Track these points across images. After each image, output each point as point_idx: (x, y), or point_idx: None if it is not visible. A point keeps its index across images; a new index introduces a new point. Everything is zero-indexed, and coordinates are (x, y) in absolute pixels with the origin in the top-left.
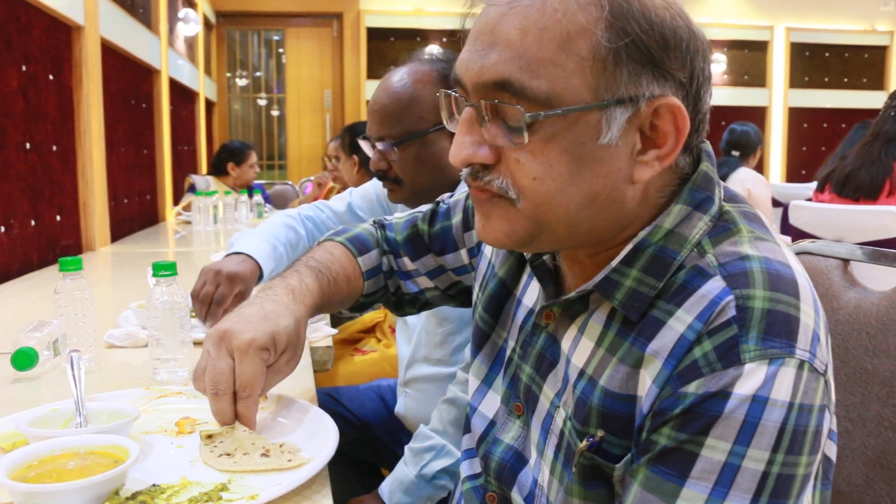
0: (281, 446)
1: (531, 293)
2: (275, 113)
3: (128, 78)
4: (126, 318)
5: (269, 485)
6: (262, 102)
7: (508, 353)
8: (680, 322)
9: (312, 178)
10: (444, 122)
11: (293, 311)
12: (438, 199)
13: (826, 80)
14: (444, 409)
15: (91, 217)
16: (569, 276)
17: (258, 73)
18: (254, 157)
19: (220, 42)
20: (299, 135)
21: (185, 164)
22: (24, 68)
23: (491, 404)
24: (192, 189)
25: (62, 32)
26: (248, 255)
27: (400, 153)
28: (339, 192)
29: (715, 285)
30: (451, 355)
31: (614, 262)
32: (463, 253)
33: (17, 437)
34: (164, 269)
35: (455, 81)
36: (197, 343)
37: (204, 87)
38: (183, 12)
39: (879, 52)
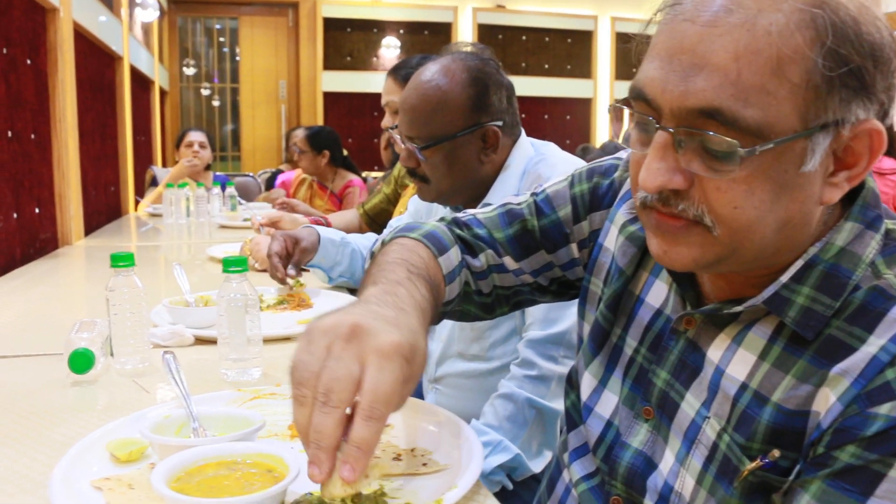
0: (412, 450)
1: (657, 293)
2: (216, 103)
3: (94, 64)
4: (158, 314)
5: (424, 489)
6: (213, 92)
7: (630, 353)
8: (870, 345)
9: (271, 170)
10: (612, 135)
11: (423, 333)
12: (534, 189)
13: None
14: (500, 404)
15: (67, 209)
16: (708, 284)
17: (202, 63)
18: (189, 137)
19: (171, 30)
20: (253, 126)
21: (142, 155)
22: (4, 51)
23: (607, 405)
24: (154, 182)
25: (38, 15)
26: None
27: (427, 155)
28: (311, 183)
29: None
30: (488, 350)
31: (784, 279)
32: (573, 247)
33: (132, 446)
34: (235, 265)
35: (639, 97)
36: (269, 340)
37: (158, 76)
38: None
39: None
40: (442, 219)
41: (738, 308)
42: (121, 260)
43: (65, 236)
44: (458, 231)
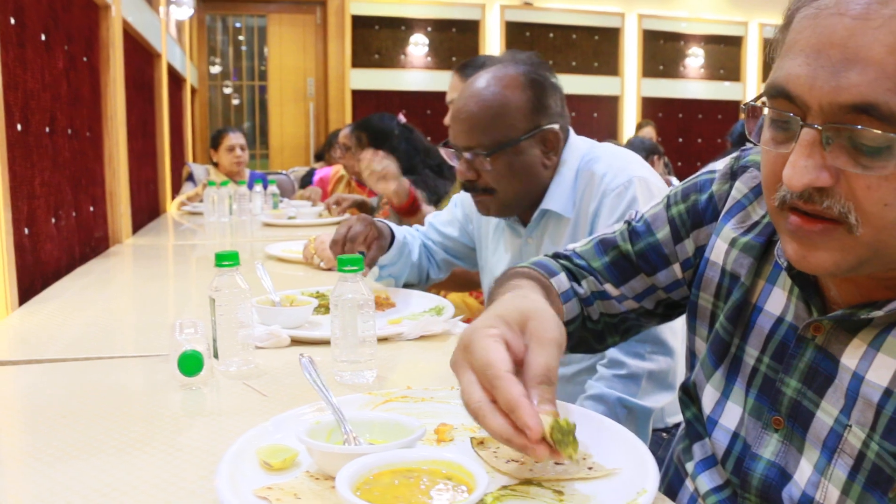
0: None
1: (775, 301)
2: (235, 101)
3: (137, 61)
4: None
5: (601, 493)
6: (241, 90)
7: (752, 363)
8: None
9: (304, 168)
10: (748, 134)
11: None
12: (628, 217)
13: None
14: (590, 405)
15: (117, 208)
16: (834, 289)
17: (230, 61)
18: (231, 139)
19: (200, 28)
20: (282, 123)
21: (177, 153)
22: (66, 48)
23: (731, 417)
24: (191, 178)
25: (93, 12)
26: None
27: (492, 163)
28: (349, 181)
29: None
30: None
31: None
32: (675, 268)
33: (285, 453)
34: (350, 264)
35: (781, 94)
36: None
37: (189, 74)
38: None
39: None
40: (545, 256)
41: (878, 312)
42: (225, 259)
43: (115, 235)
44: (561, 261)
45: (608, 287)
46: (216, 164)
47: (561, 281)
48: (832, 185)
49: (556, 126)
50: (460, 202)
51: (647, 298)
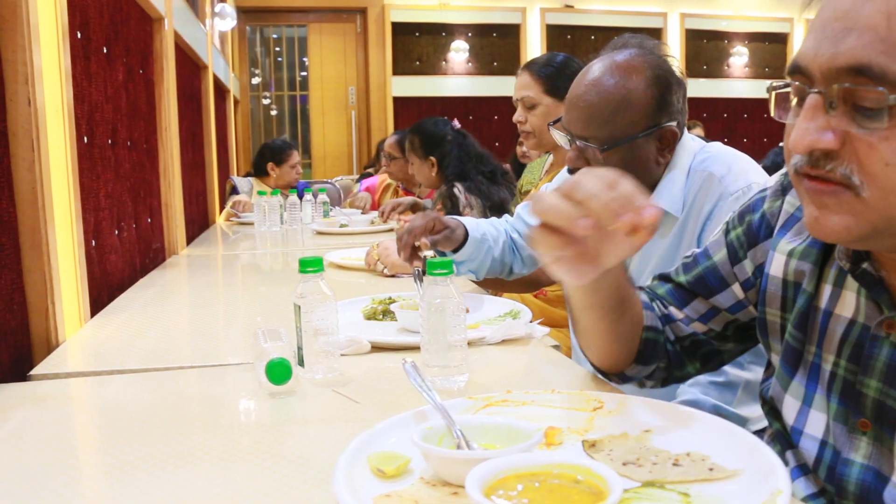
0: (688, 455)
1: (844, 303)
2: (273, 112)
3: (186, 73)
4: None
5: (728, 494)
6: (283, 100)
7: (829, 368)
8: None
9: (349, 177)
10: (773, 114)
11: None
12: (688, 253)
13: None
14: None
15: (173, 219)
16: None
17: (272, 71)
18: (295, 157)
19: (241, 39)
20: (324, 133)
21: (222, 164)
22: (124, 60)
23: (816, 424)
24: (235, 191)
25: (147, 24)
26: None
27: (605, 157)
28: (395, 189)
29: None
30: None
31: None
32: (736, 289)
33: (398, 460)
34: (441, 267)
35: (795, 71)
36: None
37: (232, 85)
38: (219, 7)
39: None
40: None
41: None
42: (309, 265)
43: (171, 246)
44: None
45: (672, 310)
46: (265, 176)
47: (641, 295)
48: (837, 148)
49: (674, 124)
50: None
51: (712, 320)
